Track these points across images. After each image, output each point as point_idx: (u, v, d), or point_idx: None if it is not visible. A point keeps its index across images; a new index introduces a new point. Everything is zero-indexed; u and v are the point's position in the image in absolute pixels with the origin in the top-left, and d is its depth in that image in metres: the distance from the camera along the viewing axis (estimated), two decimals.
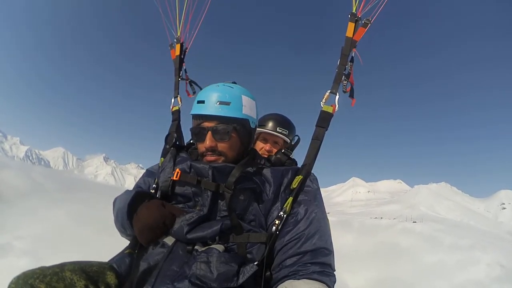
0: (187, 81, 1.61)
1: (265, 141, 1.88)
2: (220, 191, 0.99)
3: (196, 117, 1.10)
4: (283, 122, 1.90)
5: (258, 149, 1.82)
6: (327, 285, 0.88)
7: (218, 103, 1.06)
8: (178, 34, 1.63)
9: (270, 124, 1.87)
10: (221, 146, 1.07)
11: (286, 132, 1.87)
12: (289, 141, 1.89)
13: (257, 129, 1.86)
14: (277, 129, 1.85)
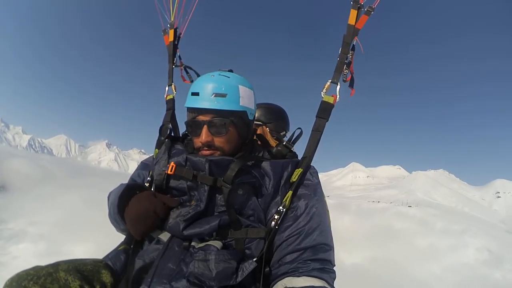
0: (182, 68, 1.55)
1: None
2: (218, 186, 0.96)
3: (190, 110, 1.05)
4: (270, 114, 1.81)
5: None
6: (327, 282, 0.87)
7: (213, 95, 1.00)
8: (172, 19, 1.55)
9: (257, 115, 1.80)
10: (218, 140, 1.02)
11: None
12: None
13: None
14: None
